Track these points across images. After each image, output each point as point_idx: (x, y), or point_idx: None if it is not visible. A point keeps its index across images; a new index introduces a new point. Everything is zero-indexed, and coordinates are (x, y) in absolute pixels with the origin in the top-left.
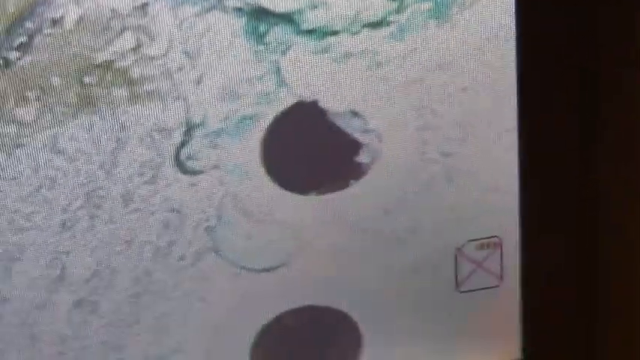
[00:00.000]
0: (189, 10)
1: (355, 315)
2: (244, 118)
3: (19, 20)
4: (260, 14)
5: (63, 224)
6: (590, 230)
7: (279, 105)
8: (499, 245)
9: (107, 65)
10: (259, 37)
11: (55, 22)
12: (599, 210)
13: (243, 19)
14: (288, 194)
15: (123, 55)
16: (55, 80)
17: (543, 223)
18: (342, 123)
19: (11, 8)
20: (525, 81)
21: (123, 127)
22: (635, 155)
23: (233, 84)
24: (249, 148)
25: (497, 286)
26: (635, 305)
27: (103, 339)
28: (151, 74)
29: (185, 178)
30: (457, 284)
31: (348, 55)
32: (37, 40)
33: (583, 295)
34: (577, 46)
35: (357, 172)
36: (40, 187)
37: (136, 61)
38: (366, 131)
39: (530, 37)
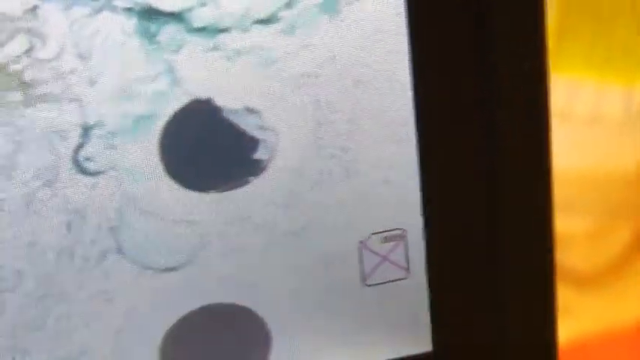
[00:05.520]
0: (79, 12)
1: (262, 312)
2: (140, 117)
3: None
4: (150, 13)
5: None
6: (497, 218)
7: (175, 104)
8: (403, 237)
9: (0, 69)
10: (151, 37)
11: None
12: (504, 197)
13: (134, 19)
14: (188, 193)
15: (16, 59)
16: None
17: (449, 213)
18: (237, 120)
19: None
20: (421, 71)
21: (20, 130)
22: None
23: (127, 84)
24: (146, 148)
25: (404, 279)
26: (546, 294)
27: (8, 342)
28: (44, 77)
29: (84, 180)
30: (363, 278)
31: (239, 52)
32: None
33: (493, 285)
34: (474, 37)
35: (255, 168)
36: None
37: (29, 64)
38: (262, 128)
39: (424, 28)
